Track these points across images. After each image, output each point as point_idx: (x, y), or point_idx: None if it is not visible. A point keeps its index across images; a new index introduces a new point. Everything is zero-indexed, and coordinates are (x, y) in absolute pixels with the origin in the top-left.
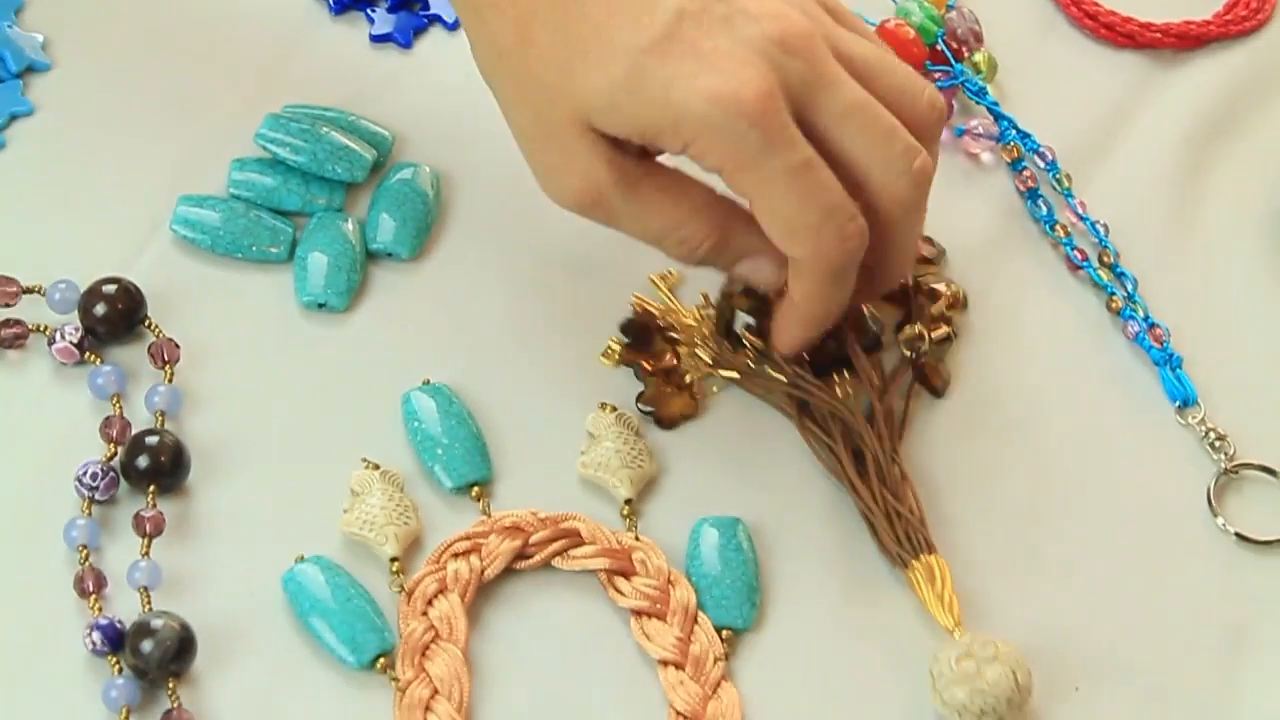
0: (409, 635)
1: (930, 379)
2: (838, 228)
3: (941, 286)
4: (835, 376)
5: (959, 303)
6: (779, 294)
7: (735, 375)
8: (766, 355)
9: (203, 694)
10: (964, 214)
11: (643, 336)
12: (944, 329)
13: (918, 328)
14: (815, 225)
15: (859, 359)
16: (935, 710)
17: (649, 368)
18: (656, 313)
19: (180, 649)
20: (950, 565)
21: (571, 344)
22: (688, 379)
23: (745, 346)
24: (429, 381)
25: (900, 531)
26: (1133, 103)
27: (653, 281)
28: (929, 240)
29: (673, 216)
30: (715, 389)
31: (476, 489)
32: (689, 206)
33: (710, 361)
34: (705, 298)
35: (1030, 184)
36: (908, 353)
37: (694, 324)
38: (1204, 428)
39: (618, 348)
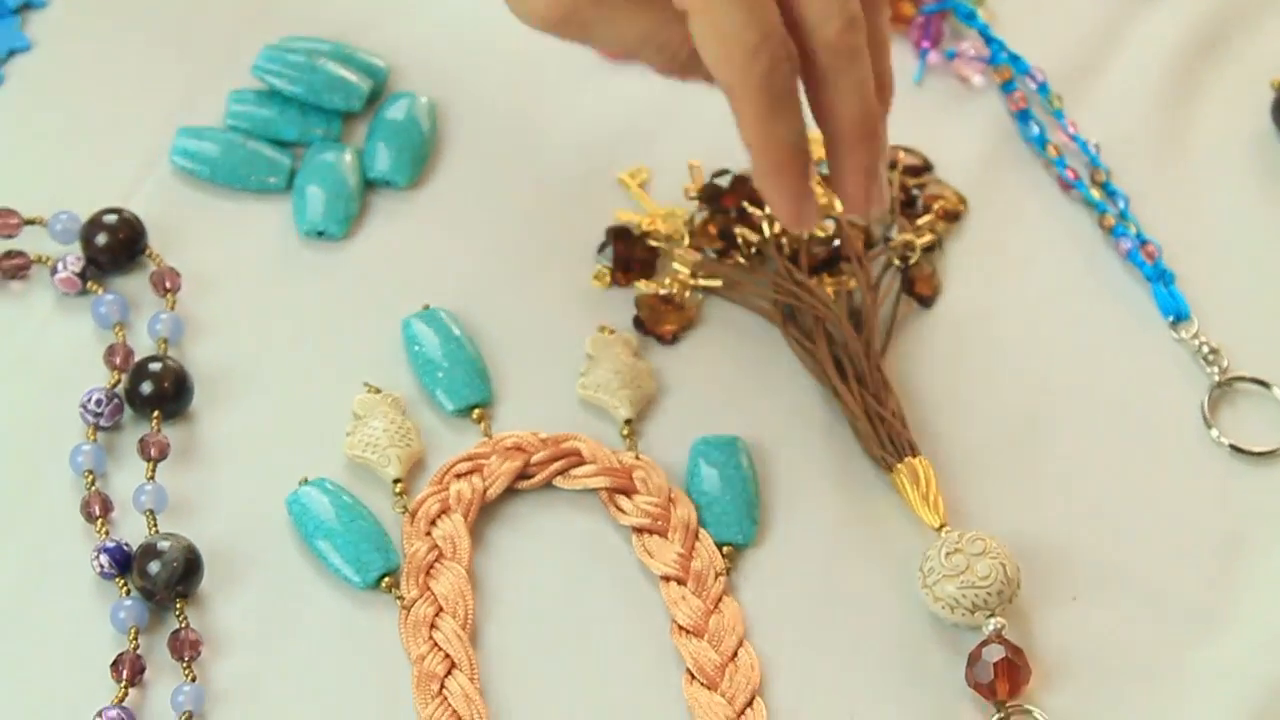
0: (413, 555)
1: (918, 288)
2: (771, 52)
3: (937, 194)
4: (822, 278)
5: (951, 214)
6: None
7: (717, 284)
8: (761, 252)
9: (210, 615)
10: (956, 136)
11: (623, 254)
12: (929, 236)
13: (907, 234)
14: (753, 47)
15: (856, 256)
16: (930, 611)
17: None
18: (634, 227)
19: (187, 570)
20: (944, 477)
21: (570, 267)
22: (675, 294)
23: (739, 246)
24: (428, 307)
25: (883, 435)
26: (1123, 23)
27: (622, 181)
28: (912, 150)
29: (649, 21)
30: (700, 298)
31: (477, 411)
32: (664, 9)
33: (689, 272)
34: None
35: (1021, 105)
36: (896, 261)
37: (672, 233)
38: (1197, 342)
39: (607, 272)
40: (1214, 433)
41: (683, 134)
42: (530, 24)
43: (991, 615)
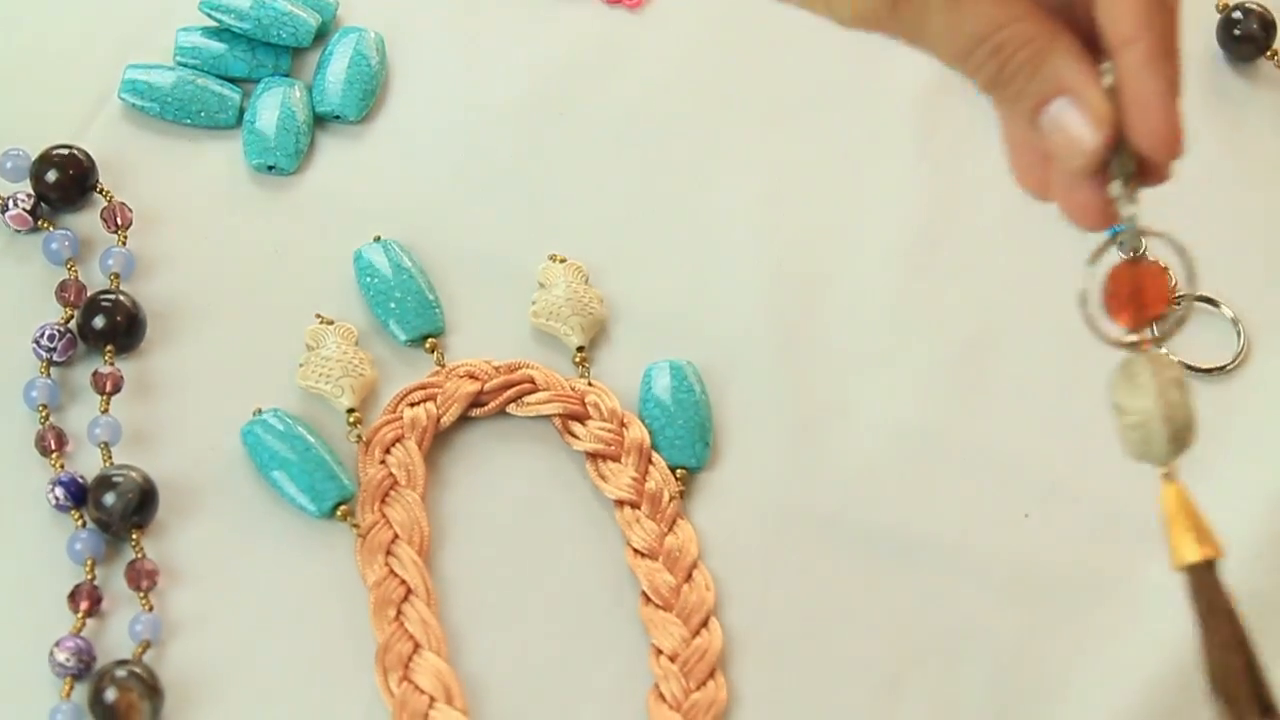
0: (368, 482)
1: None
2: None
3: None
4: None
5: None
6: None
7: None
8: None
9: (166, 545)
10: (908, 63)
11: None
12: None
13: None
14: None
15: None
16: None
17: None
18: None
19: (142, 501)
20: (895, 395)
21: (520, 198)
22: None
23: None
24: (379, 238)
25: None
26: None
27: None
28: None
29: (995, 16)
30: None
31: (430, 341)
32: (1016, 4)
33: None
34: None
35: None
36: None
37: None
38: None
39: None
40: (1164, 351)
41: (629, 66)
42: (850, 22)
43: None
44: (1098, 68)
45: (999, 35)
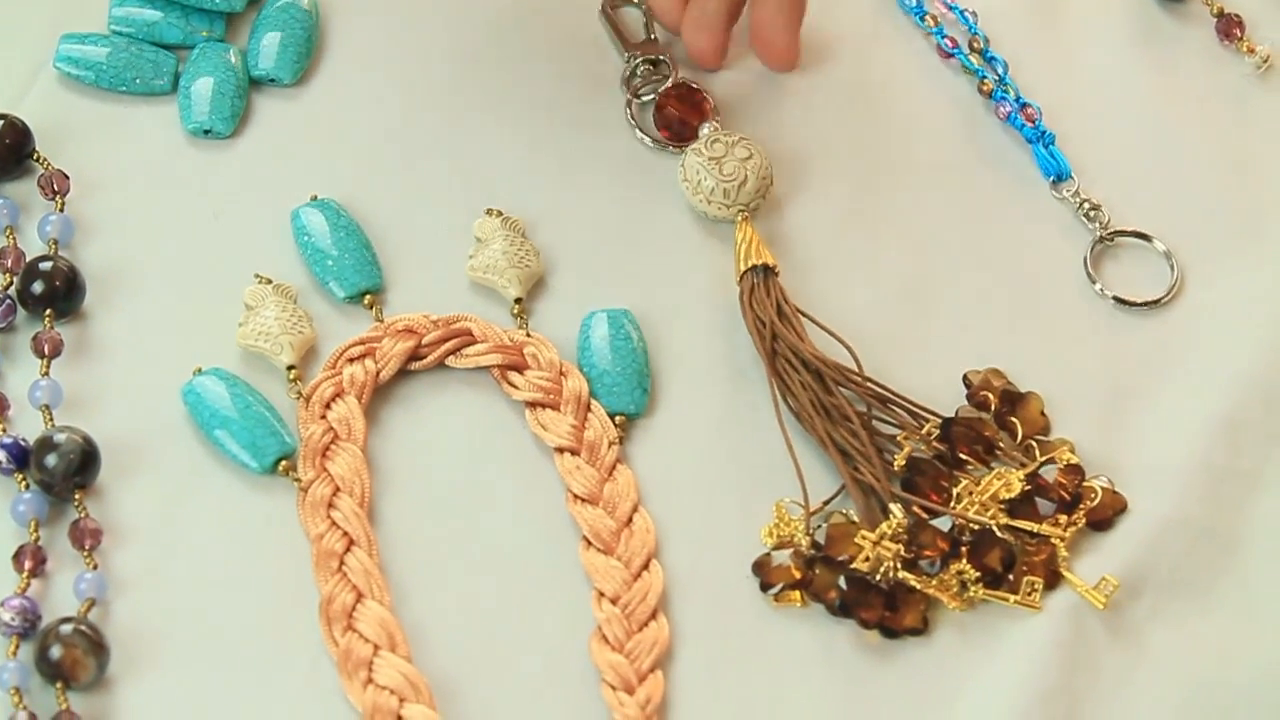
0: (309, 438)
1: None
2: None
3: None
4: None
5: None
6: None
7: None
8: None
9: (110, 505)
10: (835, 9)
11: None
12: None
13: None
14: None
15: None
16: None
17: None
18: None
19: (84, 461)
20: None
21: (455, 154)
22: None
23: None
24: (316, 198)
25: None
26: None
27: None
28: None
29: None
30: None
31: (369, 297)
32: None
33: None
34: None
35: None
36: None
37: None
38: (1078, 200)
39: None
40: (1097, 287)
41: (562, 26)
42: None
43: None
44: None
45: None
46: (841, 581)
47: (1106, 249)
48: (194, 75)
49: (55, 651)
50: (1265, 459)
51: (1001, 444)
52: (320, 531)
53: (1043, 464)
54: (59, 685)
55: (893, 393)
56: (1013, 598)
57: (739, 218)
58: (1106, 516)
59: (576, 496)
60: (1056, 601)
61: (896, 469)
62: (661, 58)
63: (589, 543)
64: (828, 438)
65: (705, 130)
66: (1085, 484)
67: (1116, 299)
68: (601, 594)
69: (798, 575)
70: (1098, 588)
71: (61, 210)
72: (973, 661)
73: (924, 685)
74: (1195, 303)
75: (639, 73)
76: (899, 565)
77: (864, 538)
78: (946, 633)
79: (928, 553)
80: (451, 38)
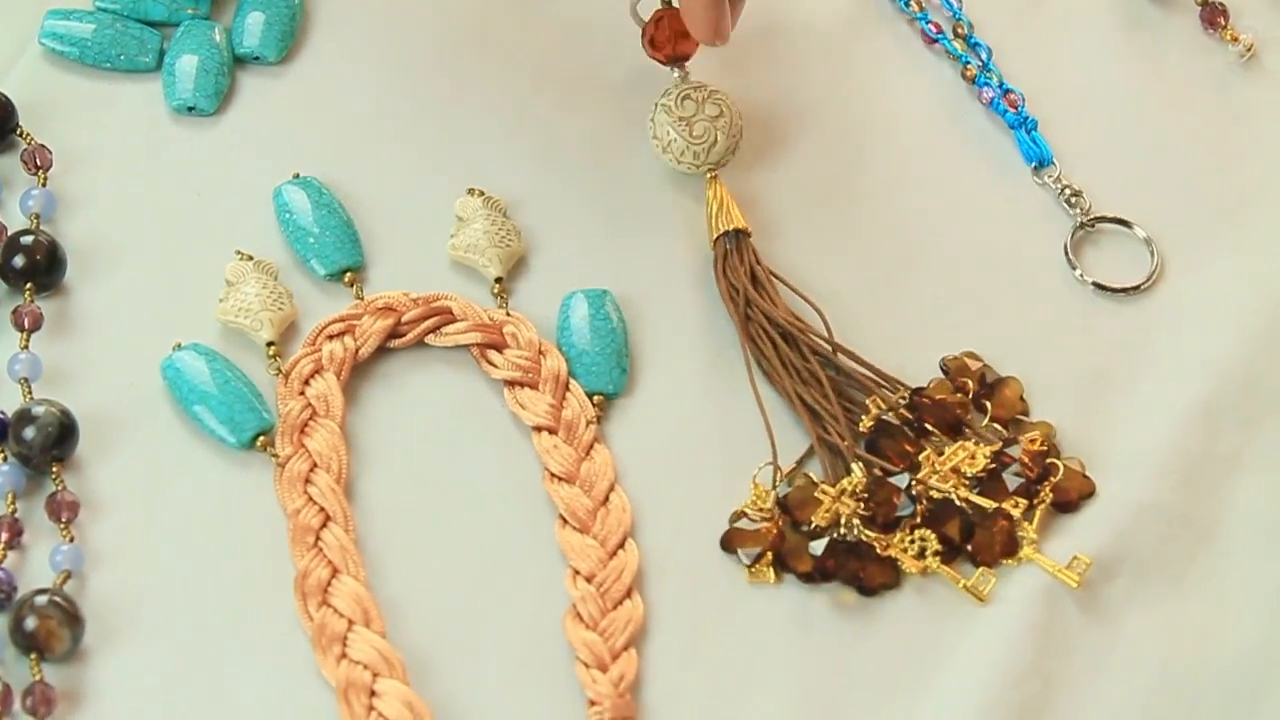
0: (287, 414)
1: None
2: None
3: None
4: None
5: None
6: None
7: None
8: None
9: (87, 479)
10: None
11: None
12: None
13: None
14: None
15: None
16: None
17: None
18: None
19: (62, 434)
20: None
21: (437, 133)
22: None
23: None
24: (299, 175)
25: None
26: None
27: None
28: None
29: None
30: None
31: (350, 275)
32: None
33: None
34: None
35: None
36: None
37: None
38: (1059, 185)
39: None
40: (1078, 272)
41: (545, 7)
42: None
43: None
44: None
45: None
46: (815, 548)
47: (1087, 235)
48: (178, 52)
49: (30, 623)
50: (1242, 445)
51: (969, 420)
52: (297, 507)
53: (1010, 442)
54: (33, 656)
55: (862, 360)
56: (962, 581)
57: (708, 176)
58: (1071, 499)
59: (553, 475)
60: (1029, 584)
61: (863, 430)
62: None
63: (565, 521)
64: (796, 397)
65: (675, 77)
66: (1050, 460)
67: (1096, 285)
68: (577, 572)
69: (763, 531)
70: (1070, 567)
71: (44, 185)
72: (946, 641)
73: (897, 662)
74: (1175, 289)
75: None
76: (859, 522)
77: (824, 492)
78: (920, 610)
79: (884, 509)
80: (436, 18)
